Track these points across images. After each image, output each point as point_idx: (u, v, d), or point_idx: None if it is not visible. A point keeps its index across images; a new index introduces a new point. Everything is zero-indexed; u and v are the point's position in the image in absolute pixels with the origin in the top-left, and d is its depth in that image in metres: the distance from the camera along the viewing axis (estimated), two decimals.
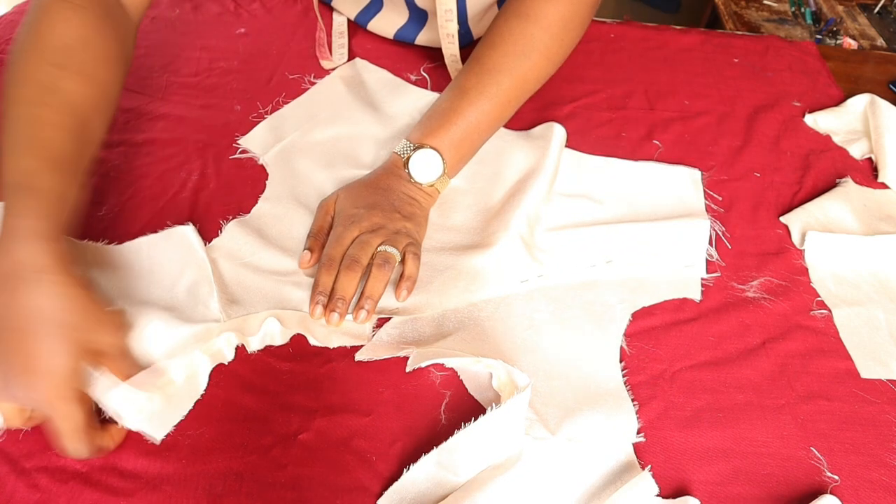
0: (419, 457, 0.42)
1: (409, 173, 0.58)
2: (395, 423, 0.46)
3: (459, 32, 0.69)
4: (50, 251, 0.41)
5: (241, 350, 0.49)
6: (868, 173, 0.67)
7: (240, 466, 0.43)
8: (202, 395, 0.46)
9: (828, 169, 0.67)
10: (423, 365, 0.47)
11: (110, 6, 0.54)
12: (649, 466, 0.43)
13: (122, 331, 0.44)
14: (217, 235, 0.56)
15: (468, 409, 0.47)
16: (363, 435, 0.45)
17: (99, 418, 0.43)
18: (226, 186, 0.62)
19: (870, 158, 0.69)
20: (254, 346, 0.49)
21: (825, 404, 0.48)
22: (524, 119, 0.69)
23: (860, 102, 0.73)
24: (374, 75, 0.75)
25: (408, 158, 0.58)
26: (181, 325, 0.47)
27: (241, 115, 0.69)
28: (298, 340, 0.50)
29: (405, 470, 0.42)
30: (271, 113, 0.69)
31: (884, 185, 0.66)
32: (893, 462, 0.45)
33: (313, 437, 0.45)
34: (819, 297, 0.55)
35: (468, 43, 0.76)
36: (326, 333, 0.50)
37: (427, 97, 0.71)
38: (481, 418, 0.42)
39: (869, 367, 0.50)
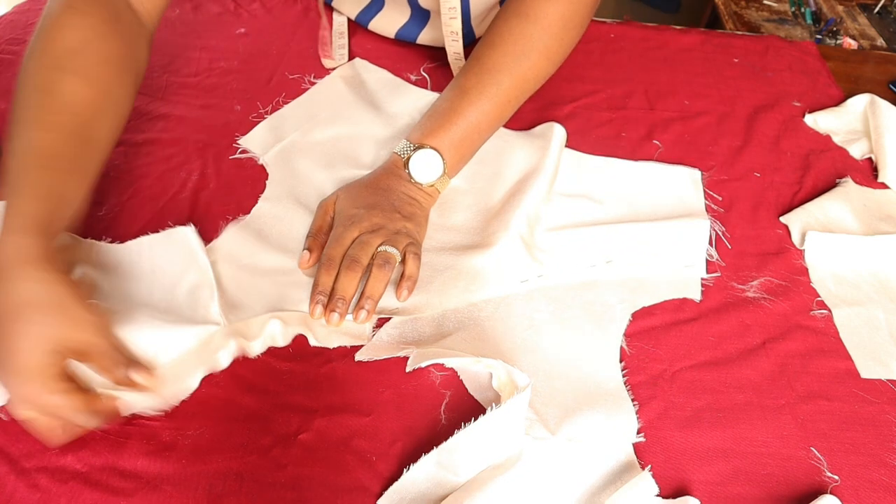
0: (419, 457, 0.42)
1: (409, 173, 0.58)
2: (395, 423, 0.46)
3: (462, 31, 0.69)
4: (32, 247, 0.40)
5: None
6: (868, 173, 0.67)
7: (240, 466, 0.43)
8: (202, 396, 0.46)
9: (828, 169, 0.67)
10: (423, 365, 0.47)
11: (119, 12, 0.54)
12: (649, 466, 0.43)
13: (102, 329, 0.42)
14: (217, 236, 0.56)
15: (468, 409, 0.47)
16: (363, 435, 0.45)
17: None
18: (226, 186, 0.62)
19: (870, 158, 0.69)
20: (256, 350, 0.49)
21: (825, 404, 0.48)
22: (524, 119, 0.69)
23: (860, 102, 0.73)
24: (374, 75, 0.75)
25: (408, 158, 0.58)
26: (181, 327, 0.47)
27: (241, 115, 0.69)
28: (298, 340, 0.50)
29: (405, 470, 0.42)
30: (271, 113, 0.69)
31: (884, 185, 0.66)
32: (893, 462, 0.45)
33: (313, 437, 0.45)
34: (819, 297, 0.55)
35: (471, 42, 0.76)
36: (326, 333, 0.50)
37: (427, 97, 0.71)
38: (481, 418, 0.42)
39: (869, 367, 0.50)
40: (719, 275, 0.57)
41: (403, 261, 0.53)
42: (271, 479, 0.43)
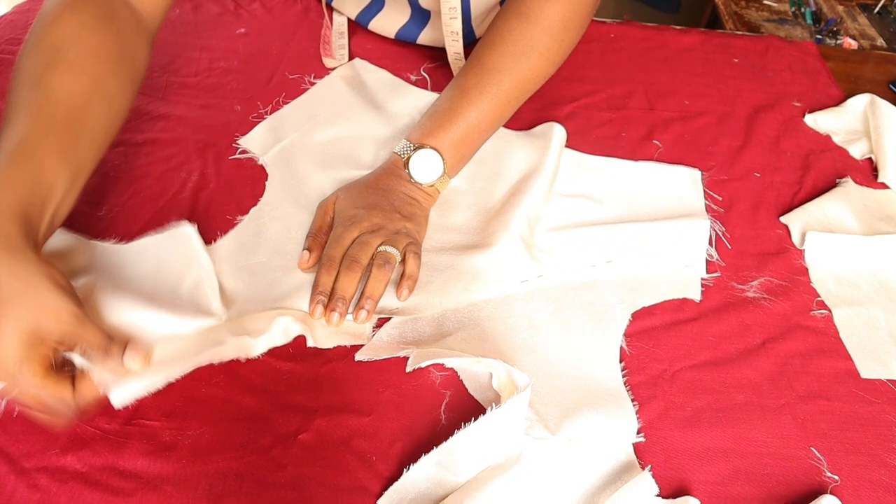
0: (419, 457, 0.42)
1: (409, 173, 0.58)
2: (395, 423, 0.46)
3: (463, 32, 0.70)
4: (5, 235, 0.40)
5: None
6: (868, 173, 0.67)
7: (240, 466, 0.43)
8: (202, 396, 0.46)
9: (828, 169, 0.67)
10: (423, 365, 0.47)
11: (115, 9, 0.53)
12: (649, 466, 0.43)
13: (76, 314, 0.40)
14: (217, 236, 0.57)
15: (468, 409, 0.47)
16: (363, 435, 0.45)
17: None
18: (226, 186, 0.62)
19: (870, 158, 0.69)
20: (258, 348, 0.48)
21: (825, 404, 0.48)
22: (524, 119, 0.69)
23: (860, 102, 0.73)
24: (374, 75, 0.75)
25: (408, 158, 0.58)
26: (183, 318, 0.47)
27: (241, 115, 0.69)
28: (298, 340, 0.50)
29: (405, 470, 0.42)
30: (271, 113, 0.69)
31: (884, 185, 0.66)
32: (893, 462, 0.45)
33: (313, 437, 0.45)
34: (819, 297, 0.55)
35: (471, 42, 0.76)
36: (326, 334, 0.50)
37: (427, 97, 0.71)
38: (481, 418, 0.42)
39: (869, 367, 0.50)
40: (719, 275, 0.57)
41: (403, 260, 0.53)
42: (271, 479, 0.43)
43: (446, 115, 0.59)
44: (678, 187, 0.64)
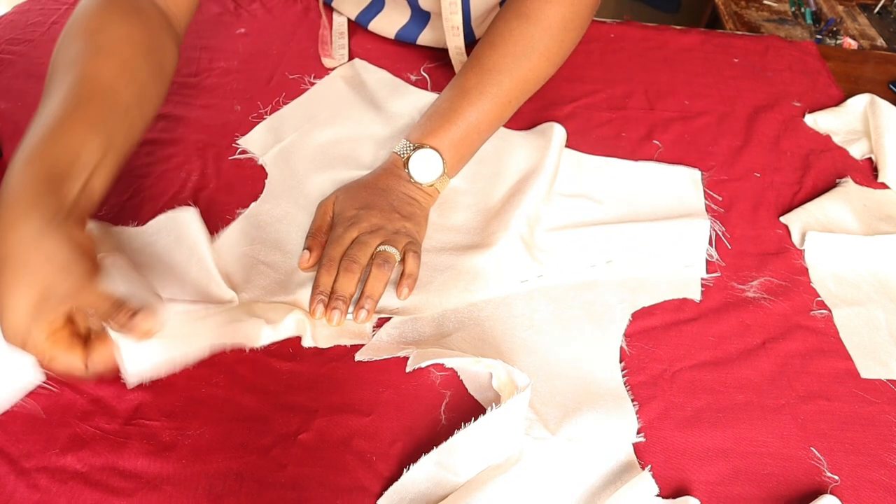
0: (419, 457, 0.42)
1: (408, 173, 0.58)
2: (395, 423, 0.46)
3: (463, 33, 0.70)
4: (30, 199, 0.40)
5: (240, 350, 0.49)
6: (868, 173, 0.67)
7: (240, 466, 0.43)
8: (202, 396, 0.46)
9: (828, 169, 0.67)
10: (423, 365, 0.47)
11: (142, 7, 0.55)
12: (649, 466, 0.43)
13: (89, 276, 0.40)
14: (217, 236, 0.57)
15: (468, 409, 0.47)
16: (363, 435, 0.45)
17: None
18: (226, 186, 0.62)
19: (870, 158, 0.69)
20: (266, 339, 0.48)
21: (825, 404, 0.48)
22: (524, 119, 0.69)
23: (860, 102, 0.73)
24: (373, 75, 0.75)
25: (407, 158, 0.58)
26: (198, 304, 0.48)
27: (241, 115, 0.69)
28: (299, 340, 0.50)
29: (405, 470, 0.42)
30: (271, 113, 0.69)
31: (884, 185, 0.66)
32: (893, 462, 0.45)
33: (313, 437, 0.45)
34: (819, 297, 0.55)
35: (471, 43, 0.76)
36: (327, 333, 0.50)
37: (427, 97, 0.71)
38: (481, 418, 0.42)
39: (869, 367, 0.50)
40: (719, 275, 0.57)
41: (403, 260, 0.53)
42: (271, 479, 0.43)
43: (446, 115, 0.59)
44: (678, 187, 0.64)
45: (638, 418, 0.46)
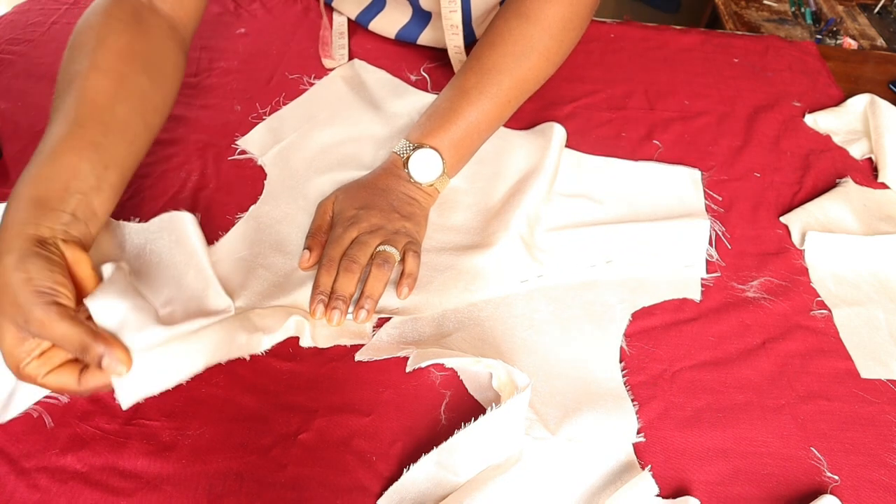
0: (419, 457, 0.42)
1: (408, 173, 0.58)
2: (395, 423, 0.46)
3: (463, 33, 0.70)
4: (16, 227, 0.41)
5: None
6: (868, 173, 0.67)
7: (240, 466, 0.43)
8: (202, 396, 0.46)
9: (828, 169, 0.67)
10: (423, 365, 0.47)
11: (142, 16, 0.55)
12: (649, 466, 0.43)
13: (49, 320, 0.39)
14: (218, 236, 0.57)
15: (468, 409, 0.47)
16: (363, 435, 0.45)
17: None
18: (226, 186, 0.62)
19: (870, 158, 0.69)
20: (266, 346, 0.48)
21: (825, 404, 0.48)
22: (524, 119, 0.69)
23: (860, 102, 0.73)
24: (373, 76, 0.75)
25: (407, 158, 0.58)
26: (194, 320, 0.47)
27: (241, 115, 0.69)
28: (299, 340, 0.50)
29: (405, 470, 0.42)
30: (271, 113, 0.69)
31: (884, 185, 0.66)
32: (893, 462, 0.45)
33: (313, 437, 0.45)
34: (819, 297, 0.55)
35: (471, 43, 0.76)
36: (327, 333, 0.50)
37: (426, 98, 0.71)
38: (481, 418, 0.42)
39: (869, 367, 0.50)
40: (719, 275, 0.57)
41: (403, 259, 0.53)
42: (271, 479, 0.43)
43: (446, 115, 0.59)
44: (678, 187, 0.64)
45: (638, 418, 0.46)
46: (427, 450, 0.42)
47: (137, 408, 0.45)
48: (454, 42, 0.70)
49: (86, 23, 0.53)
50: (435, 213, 0.60)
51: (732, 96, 0.76)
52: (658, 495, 0.42)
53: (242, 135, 0.66)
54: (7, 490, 0.41)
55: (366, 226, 0.54)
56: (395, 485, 0.42)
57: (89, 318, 0.41)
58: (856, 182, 0.65)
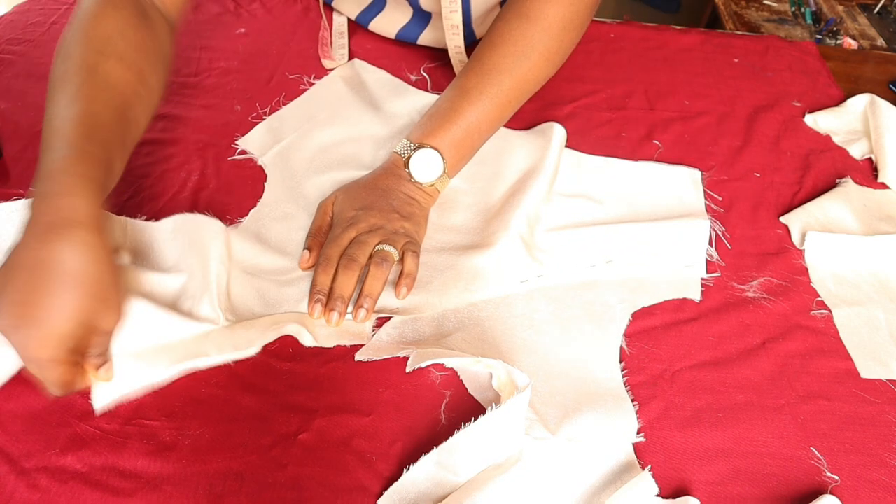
0: (419, 457, 0.42)
1: (409, 173, 0.58)
2: (395, 424, 0.46)
3: (463, 34, 0.70)
4: (88, 210, 0.40)
5: None
6: (868, 173, 0.67)
7: (240, 466, 0.43)
8: (202, 396, 0.46)
9: (828, 169, 0.67)
10: (423, 365, 0.47)
11: (146, 8, 0.55)
12: (649, 466, 0.43)
13: (121, 316, 0.43)
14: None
15: (468, 409, 0.47)
16: (363, 435, 0.45)
17: None
18: (226, 186, 0.62)
19: (870, 158, 0.69)
20: (251, 351, 0.48)
21: (825, 404, 0.48)
22: (524, 119, 0.69)
23: (860, 102, 0.73)
24: (373, 76, 0.75)
25: (408, 158, 0.58)
26: (182, 324, 0.47)
27: (241, 115, 0.69)
28: (299, 340, 0.50)
29: (405, 470, 0.42)
30: (271, 113, 0.69)
31: (884, 185, 0.66)
32: (893, 462, 0.45)
33: (313, 437, 0.45)
34: (819, 297, 0.55)
35: (471, 44, 0.76)
36: (326, 334, 0.50)
37: (426, 98, 0.71)
38: (481, 418, 0.42)
39: (869, 367, 0.50)
40: (719, 275, 0.57)
41: (402, 259, 0.53)
42: (271, 479, 0.43)
43: (447, 115, 0.59)
44: (678, 187, 0.64)
45: (638, 418, 0.46)
46: (427, 450, 0.42)
47: (137, 408, 0.45)
48: (455, 42, 0.70)
49: (84, 12, 0.51)
50: (435, 213, 0.60)
51: (732, 96, 0.76)
52: (658, 495, 0.42)
53: (242, 135, 0.66)
54: (7, 490, 0.41)
55: (365, 226, 0.54)
56: (395, 485, 0.42)
57: None
58: (856, 182, 0.65)
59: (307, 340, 0.49)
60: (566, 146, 0.67)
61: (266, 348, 0.49)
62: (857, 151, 0.69)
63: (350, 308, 0.51)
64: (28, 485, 0.41)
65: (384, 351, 0.49)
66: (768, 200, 0.64)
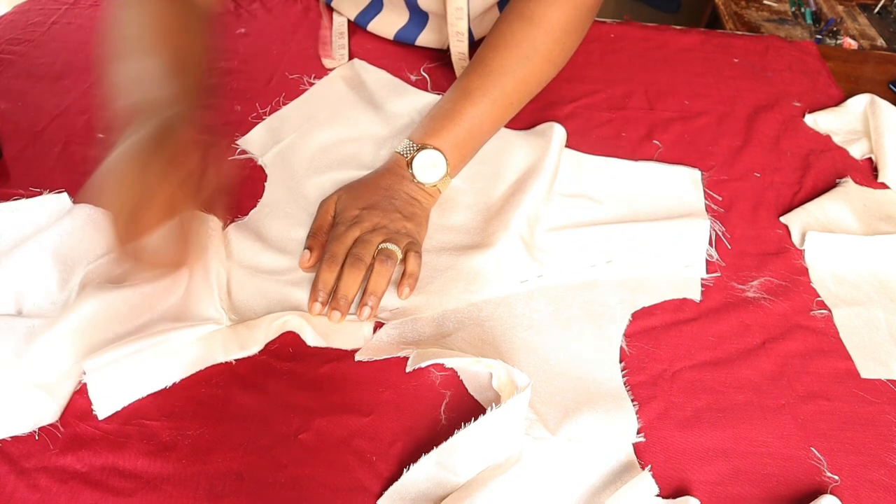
0: (419, 457, 0.42)
1: (412, 173, 0.58)
2: (395, 423, 0.46)
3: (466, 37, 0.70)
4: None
5: None
6: (868, 173, 0.67)
7: (240, 466, 0.43)
8: (202, 396, 0.46)
9: (828, 169, 0.67)
10: (423, 365, 0.47)
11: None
12: (649, 466, 0.43)
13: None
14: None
15: (468, 409, 0.47)
16: (363, 435, 0.45)
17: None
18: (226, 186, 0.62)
19: (870, 158, 0.69)
20: (254, 350, 0.49)
21: (825, 404, 0.48)
22: (524, 119, 0.69)
23: (860, 102, 0.73)
24: (373, 76, 0.75)
25: (412, 158, 0.58)
26: (185, 322, 0.48)
27: (241, 115, 0.69)
28: (299, 340, 0.50)
29: (405, 470, 0.42)
30: (271, 113, 0.69)
31: (884, 185, 0.66)
32: (893, 462, 0.45)
33: (313, 437, 0.45)
34: (819, 297, 0.55)
35: (469, 45, 0.77)
36: (327, 331, 0.50)
37: (426, 98, 0.71)
38: (481, 418, 0.42)
39: (869, 367, 0.50)
40: (719, 275, 0.57)
41: (404, 259, 0.53)
42: (271, 479, 0.43)
43: (449, 116, 0.59)
44: (678, 187, 0.64)
45: (638, 418, 0.46)
46: (427, 450, 0.42)
47: (137, 408, 0.45)
48: (459, 49, 0.70)
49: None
50: (435, 212, 0.60)
51: (732, 96, 0.76)
52: (658, 495, 0.42)
53: (242, 135, 0.66)
54: (7, 490, 0.41)
55: (368, 225, 0.54)
56: (395, 485, 0.42)
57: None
58: (856, 182, 0.65)
59: (310, 338, 0.49)
60: (566, 146, 0.67)
61: (266, 348, 0.49)
62: (857, 151, 0.69)
63: (353, 308, 0.51)
64: (28, 485, 0.41)
65: (384, 351, 0.49)
66: (768, 200, 0.64)
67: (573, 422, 0.45)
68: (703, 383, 0.49)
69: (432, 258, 0.55)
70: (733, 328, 0.53)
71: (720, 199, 0.63)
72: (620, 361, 0.50)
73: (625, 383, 0.48)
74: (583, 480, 0.43)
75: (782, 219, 0.62)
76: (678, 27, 0.87)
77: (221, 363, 0.48)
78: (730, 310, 0.54)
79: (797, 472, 0.44)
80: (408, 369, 0.48)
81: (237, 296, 0.52)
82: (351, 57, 0.77)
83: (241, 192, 0.61)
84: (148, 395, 0.46)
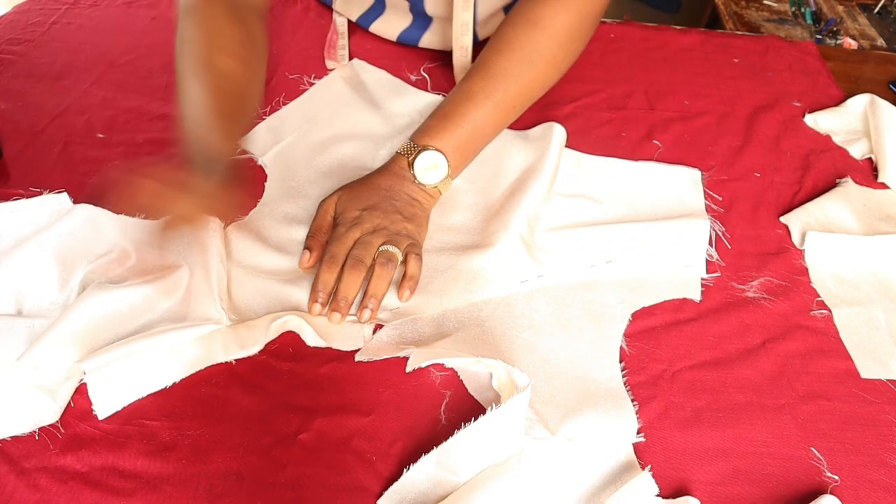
0: (419, 457, 0.42)
1: (413, 174, 0.58)
2: (395, 424, 0.46)
3: (471, 52, 0.70)
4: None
5: None
6: (868, 173, 0.67)
7: (240, 466, 0.43)
8: (202, 396, 0.46)
9: (828, 169, 0.67)
10: (423, 365, 0.47)
11: (238, 3, 0.61)
12: (649, 466, 0.43)
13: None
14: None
15: (468, 409, 0.47)
16: (363, 435, 0.45)
17: None
18: None
19: (870, 158, 0.69)
20: (254, 350, 0.49)
21: (825, 404, 0.48)
22: (524, 119, 0.68)
23: (860, 102, 0.73)
24: (373, 76, 0.75)
25: (413, 159, 0.58)
26: (186, 322, 0.48)
27: None
28: (299, 340, 0.50)
29: (405, 470, 0.42)
30: (270, 113, 0.69)
31: (884, 185, 0.66)
32: (893, 462, 0.45)
33: (313, 437, 0.45)
34: (819, 297, 0.55)
35: (475, 45, 0.76)
36: (327, 331, 0.50)
37: (426, 98, 0.71)
38: (481, 418, 0.42)
39: (869, 367, 0.50)
40: (719, 275, 0.57)
41: (405, 261, 0.53)
42: (271, 479, 0.43)
43: (451, 118, 0.59)
44: (678, 187, 0.64)
45: (638, 418, 0.46)
46: (427, 450, 0.42)
47: (137, 407, 0.45)
48: (461, 63, 0.70)
49: (199, 6, 0.58)
50: (435, 213, 0.60)
51: (732, 96, 0.76)
52: (658, 495, 0.42)
53: None
54: (7, 490, 0.41)
55: (369, 226, 0.54)
56: (395, 485, 0.42)
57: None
58: (856, 182, 0.65)
59: (310, 338, 0.49)
60: (566, 146, 0.67)
61: (266, 348, 0.49)
62: (857, 151, 0.69)
63: (353, 309, 0.51)
64: (28, 485, 0.41)
65: (384, 351, 0.49)
66: (768, 200, 0.64)
67: (573, 422, 0.45)
68: (703, 383, 0.49)
69: (432, 258, 0.55)
70: (733, 328, 0.53)
71: (720, 199, 0.63)
72: (620, 361, 0.50)
73: (625, 383, 0.48)
74: (583, 480, 0.43)
75: (782, 219, 0.62)
76: (678, 27, 0.87)
77: (221, 363, 0.48)
78: (730, 310, 0.54)
79: (797, 472, 0.44)
80: (408, 369, 0.48)
81: (237, 296, 0.52)
82: (351, 57, 0.77)
83: (242, 192, 0.61)
84: (148, 395, 0.46)
